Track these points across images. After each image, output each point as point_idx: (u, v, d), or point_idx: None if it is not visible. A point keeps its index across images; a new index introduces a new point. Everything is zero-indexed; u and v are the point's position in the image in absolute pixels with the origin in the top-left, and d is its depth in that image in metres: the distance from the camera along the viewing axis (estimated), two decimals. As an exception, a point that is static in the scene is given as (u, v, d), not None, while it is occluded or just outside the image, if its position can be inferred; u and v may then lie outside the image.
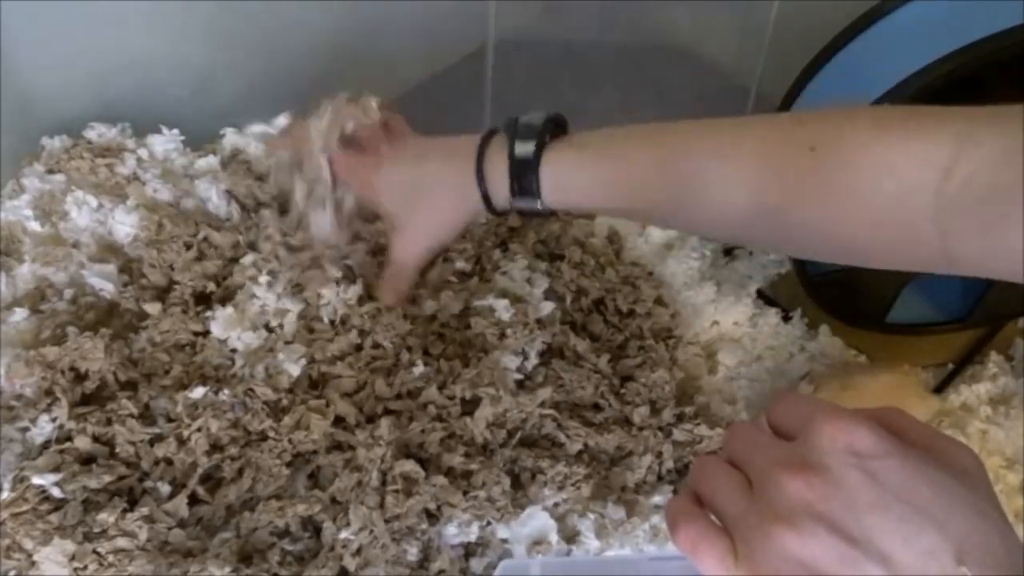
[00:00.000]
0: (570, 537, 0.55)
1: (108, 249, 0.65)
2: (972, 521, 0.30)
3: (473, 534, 0.53)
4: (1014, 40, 0.58)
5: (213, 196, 0.68)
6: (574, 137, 0.55)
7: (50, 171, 0.70)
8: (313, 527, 0.53)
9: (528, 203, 0.54)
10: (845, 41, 0.69)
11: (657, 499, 0.57)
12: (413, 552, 0.52)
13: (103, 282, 0.62)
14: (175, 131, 0.74)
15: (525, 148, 0.54)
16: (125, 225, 0.66)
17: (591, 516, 0.55)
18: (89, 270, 0.62)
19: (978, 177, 0.41)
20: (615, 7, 0.78)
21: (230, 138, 0.75)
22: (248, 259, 0.63)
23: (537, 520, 0.54)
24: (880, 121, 0.44)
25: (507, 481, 0.55)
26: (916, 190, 0.42)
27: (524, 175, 0.54)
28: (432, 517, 0.54)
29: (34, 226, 0.66)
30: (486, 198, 0.56)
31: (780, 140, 0.47)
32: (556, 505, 0.56)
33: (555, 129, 0.55)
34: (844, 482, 0.31)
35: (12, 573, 0.47)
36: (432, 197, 0.58)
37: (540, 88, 0.82)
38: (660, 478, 0.59)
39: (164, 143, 0.73)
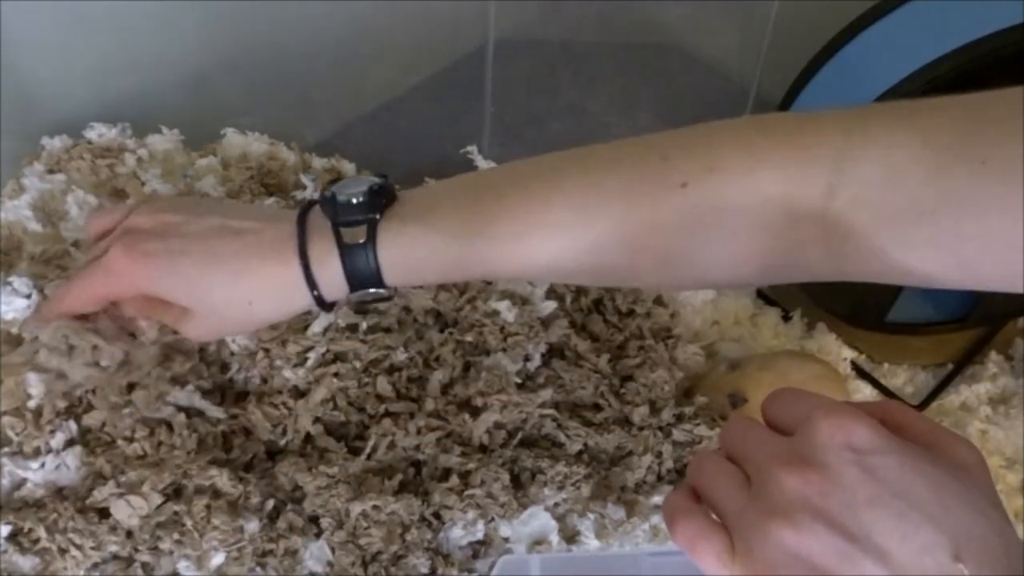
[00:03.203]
0: (570, 537, 0.55)
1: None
2: (970, 518, 0.30)
3: (479, 532, 0.54)
4: (1014, 40, 0.58)
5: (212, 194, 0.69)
6: (409, 205, 0.46)
7: (50, 171, 0.70)
8: None
9: (366, 294, 0.46)
10: (845, 41, 0.69)
11: (657, 499, 0.57)
12: (423, 564, 0.52)
13: None
14: (175, 131, 0.74)
15: (354, 233, 0.44)
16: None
17: (591, 516, 0.55)
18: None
19: (862, 199, 0.39)
20: (615, 7, 0.78)
21: (230, 138, 0.75)
22: None
23: (538, 520, 0.54)
24: (751, 147, 0.41)
25: (506, 477, 0.55)
26: (801, 218, 0.40)
27: (359, 265, 0.44)
28: (433, 521, 0.54)
29: (34, 226, 0.66)
30: (320, 301, 0.46)
31: (648, 181, 0.42)
32: (556, 505, 0.56)
33: (381, 197, 0.46)
34: (842, 478, 0.31)
35: None
36: (247, 306, 0.47)
37: (540, 88, 0.82)
38: (660, 478, 0.59)
39: (164, 143, 0.73)
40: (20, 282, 0.59)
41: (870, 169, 0.38)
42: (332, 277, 0.45)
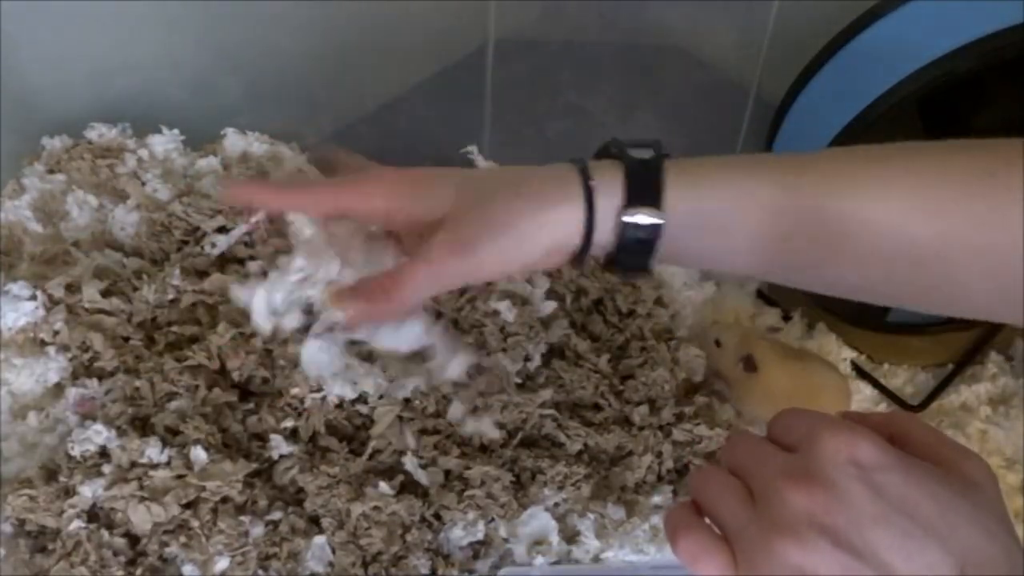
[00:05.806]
0: (570, 537, 0.55)
1: (109, 248, 0.65)
2: (975, 536, 0.30)
3: (480, 532, 0.54)
4: (1014, 40, 0.58)
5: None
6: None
7: (50, 171, 0.70)
8: None
9: (644, 216, 0.41)
10: (845, 41, 0.69)
11: (657, 499, 0.57)
12: (424, 564, 0.52)
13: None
14: (175, 131, 0.74)
15: (641, 152, 0.42)
16: (126, 225, 0.66)
17: (591, 516, 0.56)
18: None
19: None
20: (615, 7, 0.78)
21: (230, 138, 0.75)
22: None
23: (538, 520, 0.54)
24: None
25: (507, 477, 0.55)
26: None
27: (641, 177, 0.41)
28: (434, 521, 0.54)
29: (34, 226, 0.66)
30: (589, 224, 0.42)
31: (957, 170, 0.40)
32: (556, 505, 0.56)
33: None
34: (847, 495, 0.30)
35: None
36: (521, 222, 0.42)
37: (540, 88, 0.82)
38: (660, 478, 0.59)
39: (164, 143, 0.73)
40: (19, 287, 0.60)
41: None
42: (610, 189, 0.41)
